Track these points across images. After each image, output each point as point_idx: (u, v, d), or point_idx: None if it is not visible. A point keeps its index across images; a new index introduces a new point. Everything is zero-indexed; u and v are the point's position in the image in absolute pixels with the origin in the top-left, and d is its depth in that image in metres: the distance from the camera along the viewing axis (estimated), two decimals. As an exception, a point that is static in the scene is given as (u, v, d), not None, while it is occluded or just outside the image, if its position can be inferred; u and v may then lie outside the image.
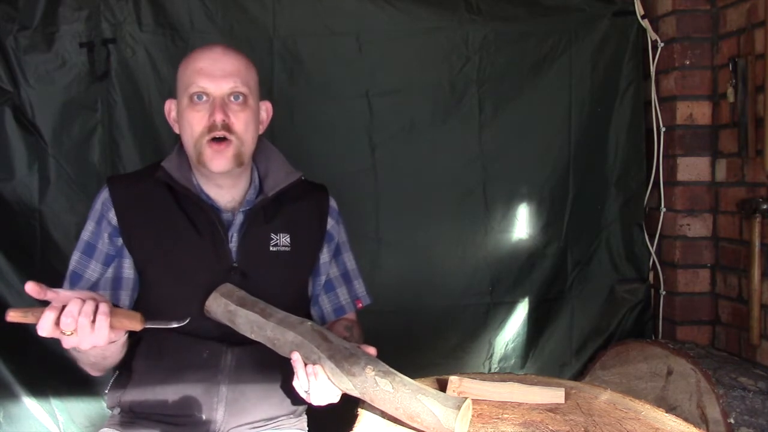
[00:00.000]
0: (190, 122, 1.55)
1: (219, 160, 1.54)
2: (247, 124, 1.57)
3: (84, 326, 1.28)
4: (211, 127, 1.53)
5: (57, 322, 1.27)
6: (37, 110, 2.31)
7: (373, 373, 1.31)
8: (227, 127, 1.54)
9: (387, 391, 1.28)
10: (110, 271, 1.61)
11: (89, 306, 1.29)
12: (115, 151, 2.36)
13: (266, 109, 1.68)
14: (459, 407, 1.23)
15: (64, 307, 1.28)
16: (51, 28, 2.30)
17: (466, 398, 1.27)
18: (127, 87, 2.35)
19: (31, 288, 1.26)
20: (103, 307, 1.31)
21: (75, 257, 1.62)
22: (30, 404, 2.31)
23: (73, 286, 1.60)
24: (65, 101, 2.33)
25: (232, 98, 1.56)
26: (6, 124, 2.30)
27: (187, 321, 1.44)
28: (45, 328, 1.27)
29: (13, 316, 1.29)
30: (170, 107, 1.66)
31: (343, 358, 1.34)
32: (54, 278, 2.25)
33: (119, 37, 2.33)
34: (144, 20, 2.35)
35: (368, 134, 2.49)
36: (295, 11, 2.42)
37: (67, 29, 2.31)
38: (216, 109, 1.53)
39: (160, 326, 1.42)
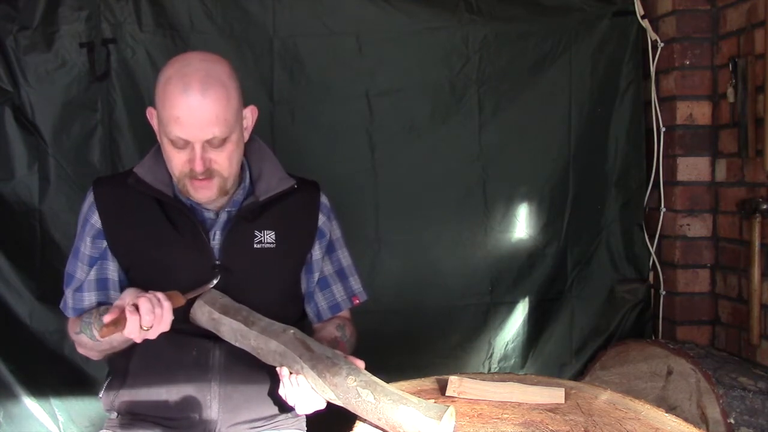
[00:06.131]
0: (171, 160, 1.55)
1: (203, 193, 1.56)
2: (230, 157, 1.55)
3: (159, 317, 1.39)
4: (192, 173, 1.52)
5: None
6: (37, 110, 2.31)
7: (355, 383, 1.31)
8: (209, 172, 1.53)
9: (369, 401, 1.28)
10: (93, 273, 1.63)
11: (154, 299, 1.39)
12: (115, 151, 2.36)
13: (251, 115, 1.63)
14: (440, 417, 1.23)
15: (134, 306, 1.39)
16: (51, 28, 2.30)
17: (448, 406, 1.26)
18: (127, 87, 2.35)
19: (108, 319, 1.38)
20: (161, 296, 1.41)
21: (69, 258, 1.68)
22: (30, 404, 2.31)
23: (67, 286, 1.65)
24: (65, 101, 2.32)
25: (212, 141, 1.51)
26: (6, 124, 2.30)
27: (218, 278, 1.56)
28: (134, 331, 1.38)
29: (106, 332, 1.38)
30: (152, 114, 1.61)
31: (325, 368, 1.34)
32: (54, 278, 2.28)
33: (119, 38, 2.33)
34: (144, 20, 2.34)
35: (368, 134, 2.48)
36: (294, 11, 2.42)
37: (67, 29, 2.31)
38: (196, 159, 1.50)
39: (198, 292, 1.51)
